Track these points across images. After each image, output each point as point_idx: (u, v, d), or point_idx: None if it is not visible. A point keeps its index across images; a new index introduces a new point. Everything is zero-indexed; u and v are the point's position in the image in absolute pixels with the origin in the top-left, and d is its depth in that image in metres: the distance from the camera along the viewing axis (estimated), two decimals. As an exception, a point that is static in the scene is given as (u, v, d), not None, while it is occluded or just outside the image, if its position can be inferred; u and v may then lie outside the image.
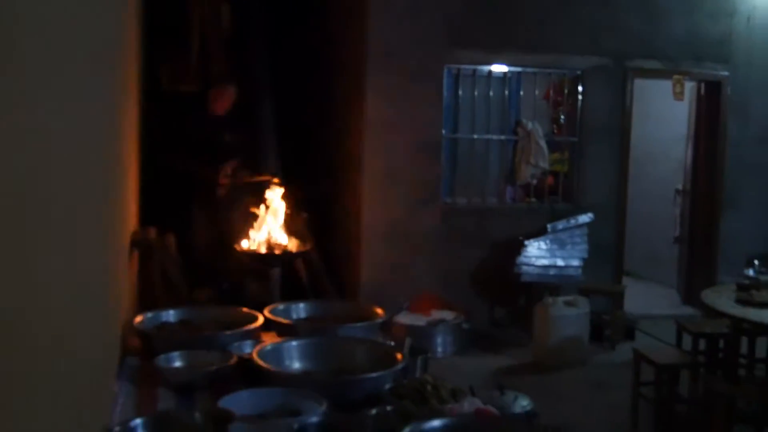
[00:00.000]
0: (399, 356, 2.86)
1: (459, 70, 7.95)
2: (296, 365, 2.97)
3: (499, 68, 8.01)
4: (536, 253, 7.59)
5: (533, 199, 8.23)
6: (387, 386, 2.64)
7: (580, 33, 7.99)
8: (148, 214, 5.45)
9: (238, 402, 2.44)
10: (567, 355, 6.82)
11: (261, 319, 3.40)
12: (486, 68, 7.97)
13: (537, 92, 8.29)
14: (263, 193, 6.19)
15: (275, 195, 6.19)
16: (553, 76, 8.45)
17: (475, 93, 7.98)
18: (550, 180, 8.27)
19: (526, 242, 7.57)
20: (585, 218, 7.78)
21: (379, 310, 3.61)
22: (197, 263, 6.60)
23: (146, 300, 4.62)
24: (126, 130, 3.92)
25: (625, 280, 8.54)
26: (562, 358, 6.78)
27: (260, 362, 2.75)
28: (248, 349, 3.03)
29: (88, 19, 2.16)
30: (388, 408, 2.39)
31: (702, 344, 5.95)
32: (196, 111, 6.88)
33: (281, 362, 2.91)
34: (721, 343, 5.81)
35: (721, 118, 8.58)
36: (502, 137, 8.15)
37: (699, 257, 8.84)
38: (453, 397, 2.62)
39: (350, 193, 7.85)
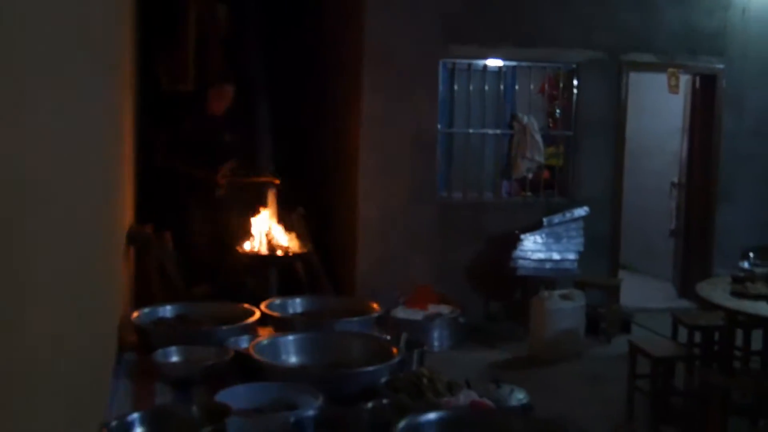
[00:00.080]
0: (395, 350, 2.87)
1: (454, 64, 7.95)
2: (293, 359, 2.98)
3: (494, 62, 8.02)
4: (532, 246, 7.60)
5: (529, 193, 8.24)
6: (383, 380, 2.65)
7: (574, 27, 8.00)
8: (147, 213, 5.46)
9: (235, 396, 2.45)
10: (563, 348, 6.84)
11: (258, 314, 3.41)
12: (481, 63, 7.97)
13: (532, 86, 8.29)
14: (262, 193, 6.22)
15: (274, 195, 6.23)
16: (548, 70, 8.46)
17: (471, 87, 7.98)
18: (545, 174, 8.28)
19: (522, 236, 7.58)
20: (581, 212, 7.79)
21: (375, 305, 3.62)
22: (195, 260, 6.61)
23: (143, 295, 4.64)
24: (122, 127, 3.92)
25: (621, 274, 8.55)
26: (558, 351, 6.80)
27: (257, 356, 2.76)
28: (245, 343, 3.04)
29: (85, 18, 2.17)
30: (384, 401, 2.40)
31: (697, 337, 5.97)
32: (195, 111, 6.87)
33: (278, 357, 2.92)
34: (717, 336, 5.83)
35: (716, 110, 8.59)
36: (498, 131, 8.16)
37: (694, 250, 8.86)
38: (449, 390, 2.63)
39: (346, 188, 7.87)
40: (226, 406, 2.28)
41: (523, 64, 8.12)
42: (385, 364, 2.75)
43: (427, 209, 7.69)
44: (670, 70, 8.27)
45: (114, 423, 2.24)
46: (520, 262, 7.58)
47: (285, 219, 6.57)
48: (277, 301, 3.66)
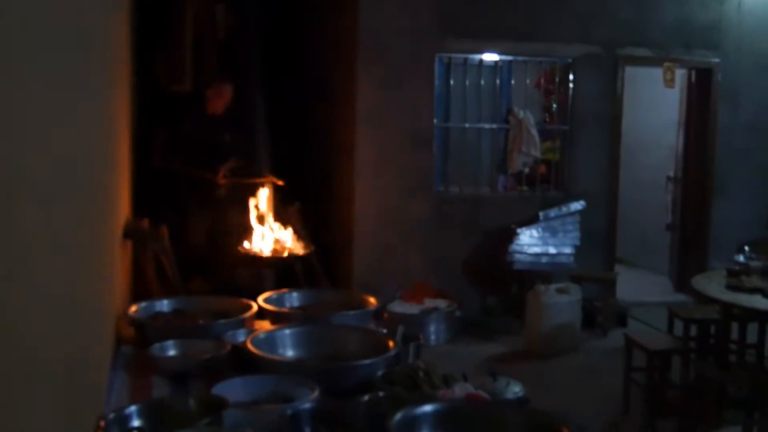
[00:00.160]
0: (391, 343, 2.88)
1: (450, 59, 7.95)
2: (290, 353, 3.00)
3: (490, 57, 8.02)
4: (528, 241, 7.61)
5: (525, 188, 8.25)
6: (379, 373, 2.66)
7: (570, 21, 8.00)
8: (147, 210, 5.46)
9: (232, 389, 2.46)
10: (559, 342, 6.85)
11: (255, 308, 3.42)
12: (477, 57, 7.97)
13: (528, 81, 8.29)
14: (262, 193, 6.22)
15: (274, 195, 6.23)
16: (544, 65, 8.46)
17: (467, 82, 7.98)
18: (542, 168, 8.29)
19: (519, 230, 7.59)
20: (577, 206, 7.80)
21: (372, 299, 3.63)
22: (193, 255, 6.62)
23: (140, 289, 4.65)
24: (118, 123, 3.93)
25: (617, 268, 8.57)
26: (554, 345, 6.81)
27: (254, 350, 2.77)
28: (242, 337, 3.05)
29: (81, 16, 2.17)
30: (381, 394, 2.41)
31: (693, 330, 5.99)
32: (195, 111, 6.85)
33: (275, 350, 2.93)
34: (712, 329, 5.85)
35: (711, 104, 8.60)
36: (494, 126, 8.16)
37: (690, 244, 8.88)
38: (445, 383, 2.64)
39: (343, 182, 7.87)
40: (223, 399, 2.30)
41: (519, 58, 8.12)
42: (381, 357, 2.76)
43: (424, 204, 7.70)
44: (666, 64, 8.27)
45: (112, 416, 2.25)
46: (517, 256, 7.59)
47: (282, 214, 6.57)
48: (274, 295, 3.68)
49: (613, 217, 8.38)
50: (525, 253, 7.60)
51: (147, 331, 3.20)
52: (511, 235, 7.61)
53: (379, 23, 7.44)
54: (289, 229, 6.24)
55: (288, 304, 3.66)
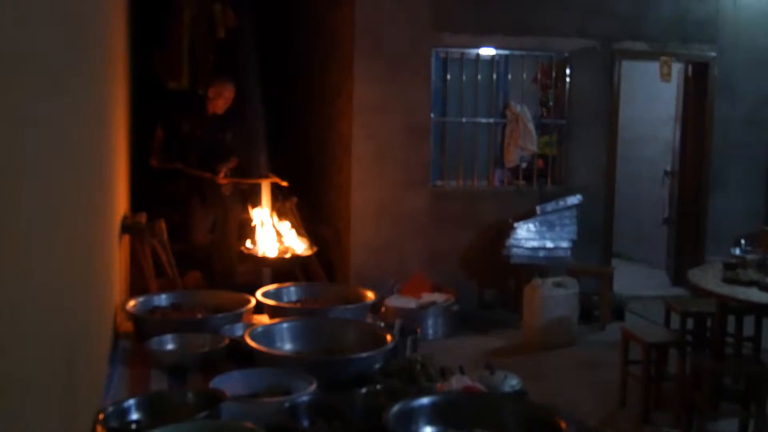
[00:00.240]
0: (389, 337, 2.89)
1: (447, 53, 7.95)
2: (287, 347, 3.01)
3: (486, 51, 8.02)
4: (525, 235, 7.62)
5: (522, 182, 8.26)
6: (377, 366, 2.68)
7: (567, 15, 8.00)
8: (145, 207, 5.46)
9: (230, 382, 2.47)
10: (556, 335, 6.86)
11: (253, 303, 3.43)
12: (474, 51, 7.97)
13: (525, 75, 8.29)
14: (264, 193, 6.23)
15: (274, 196, 6.24)
16: (540, 59, 8.45)
17: (463, 76, 7.99)
18: (539, 163, 8.30)
19: (516, 224, 7.61)
20: (574, 200, 7.81)
21: (369, 293, 3.64)
22: (195, 253, 6.64)
23: (138, 283, 4.65)
24: (115, 119, 3.93)
25: (614, 261, 8.59)
26: (551, 338, 6.83)
27: (252, 344, 2.78)
28: (240, 331, 3.06)
29: (78, 14, 2.18)
30: (378, 387, 2.42)
31: (690, 323, 6.01)
32: (195, 109, 6.83)
33: (272, 344, 2.94)
34: (709, 322, 5.86)
35: (708, 98, 8.61)
36: (491, 120, 8.17)
37: (687, 238, 8.90)
38: (442, 375, 2.66)
39: (340, 177, 7.88)
40: (221, 392, 2.31)
41: (516, 53, 8.12)
42: (378, 350, 2.77)
43: (421, 198, 7.71)
44: (663, 58, 8.28)
45: (110, 409, 2.26)
46: (514, 250, 7.61)
47: (279, 209, 6.58)
48: (272, 289, 3.69)
49: (610, 211, 8.39)
50: (522, 247, 7.62)
51: (145, 325, 3.21)
52: (508, 229, 7.62)
53: (375, 18, 7.44)
54: (293, 231, 6.25)
55: (286, 299, 3.66)
